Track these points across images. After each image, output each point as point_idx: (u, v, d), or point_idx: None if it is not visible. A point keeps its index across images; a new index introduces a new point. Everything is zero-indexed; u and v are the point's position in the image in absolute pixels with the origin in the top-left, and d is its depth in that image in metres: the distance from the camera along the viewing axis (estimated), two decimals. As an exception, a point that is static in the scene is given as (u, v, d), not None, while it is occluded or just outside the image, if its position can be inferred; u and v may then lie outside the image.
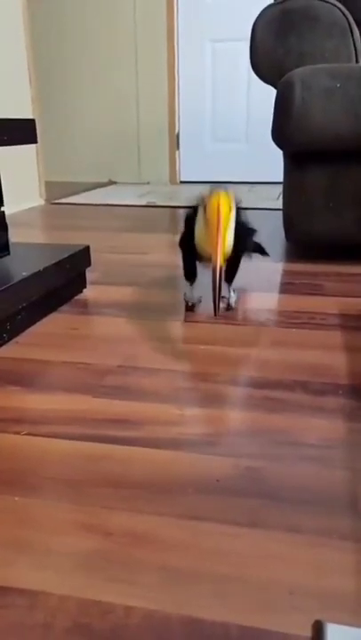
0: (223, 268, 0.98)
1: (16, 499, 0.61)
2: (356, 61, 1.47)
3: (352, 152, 1.36)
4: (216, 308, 0.94)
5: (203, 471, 0.66)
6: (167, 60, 3.58)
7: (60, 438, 0.73)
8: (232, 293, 1.23)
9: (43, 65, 3.50)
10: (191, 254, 1.14)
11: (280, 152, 1.57)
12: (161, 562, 0.52)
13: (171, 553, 0.53)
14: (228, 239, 1.01)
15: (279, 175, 1.80)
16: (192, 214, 1.11)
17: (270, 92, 1.63)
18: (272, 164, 3.04)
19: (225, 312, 1.20)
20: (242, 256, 1.17)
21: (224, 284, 1.08)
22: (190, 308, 1.23)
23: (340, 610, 0.46)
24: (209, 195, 1.00)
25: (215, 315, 0.97)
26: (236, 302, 1.24)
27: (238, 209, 1.07)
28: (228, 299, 1.22)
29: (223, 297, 1.16)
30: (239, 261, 1.18)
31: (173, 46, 3.54)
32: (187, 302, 1.23)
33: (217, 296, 0.93)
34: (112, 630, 0.44)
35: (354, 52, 1.43)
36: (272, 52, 1.47)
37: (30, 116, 2.75)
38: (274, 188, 3.29)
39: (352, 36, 1.41)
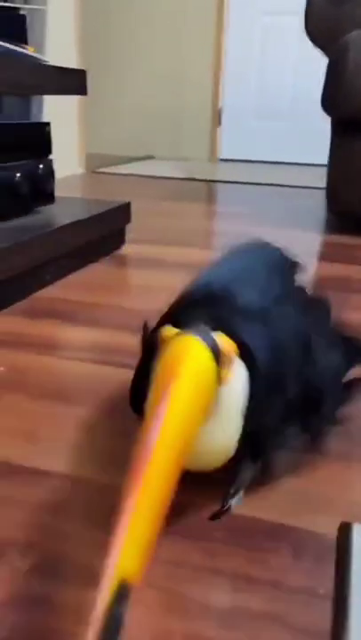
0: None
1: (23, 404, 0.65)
2: None
3: None
4: None
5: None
6: (215, 32, 3.54)
7: (81, 361, 0.76)
8: (234, 499, 0.51)
9: (87, 39, 3.51)
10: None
11: (325, 132, 1.55)
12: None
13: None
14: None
15: (323, 157, 1.79)
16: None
17: (319, 70, 1.61)
18: (317, 144, 3.00)
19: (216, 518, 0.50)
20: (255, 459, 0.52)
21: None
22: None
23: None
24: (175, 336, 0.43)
25: None
26: (236, 504, 0.50)
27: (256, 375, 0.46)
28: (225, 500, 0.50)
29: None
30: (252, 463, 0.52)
31: (223, 18, 3.50)
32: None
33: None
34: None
35: None
36: (326, 19, 1.46)
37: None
38: (318, 169, 3.25)
39: None
